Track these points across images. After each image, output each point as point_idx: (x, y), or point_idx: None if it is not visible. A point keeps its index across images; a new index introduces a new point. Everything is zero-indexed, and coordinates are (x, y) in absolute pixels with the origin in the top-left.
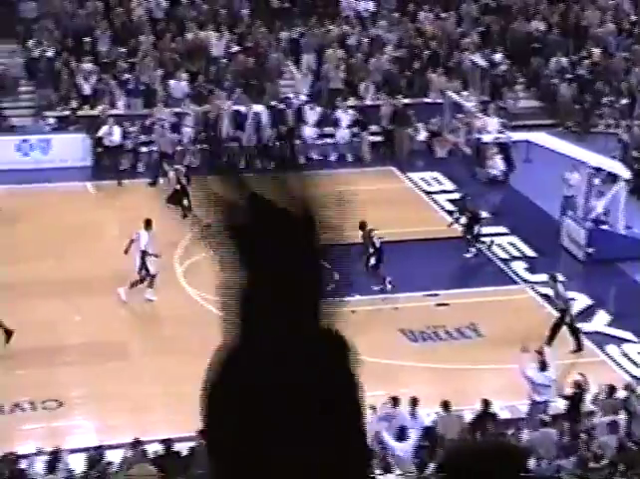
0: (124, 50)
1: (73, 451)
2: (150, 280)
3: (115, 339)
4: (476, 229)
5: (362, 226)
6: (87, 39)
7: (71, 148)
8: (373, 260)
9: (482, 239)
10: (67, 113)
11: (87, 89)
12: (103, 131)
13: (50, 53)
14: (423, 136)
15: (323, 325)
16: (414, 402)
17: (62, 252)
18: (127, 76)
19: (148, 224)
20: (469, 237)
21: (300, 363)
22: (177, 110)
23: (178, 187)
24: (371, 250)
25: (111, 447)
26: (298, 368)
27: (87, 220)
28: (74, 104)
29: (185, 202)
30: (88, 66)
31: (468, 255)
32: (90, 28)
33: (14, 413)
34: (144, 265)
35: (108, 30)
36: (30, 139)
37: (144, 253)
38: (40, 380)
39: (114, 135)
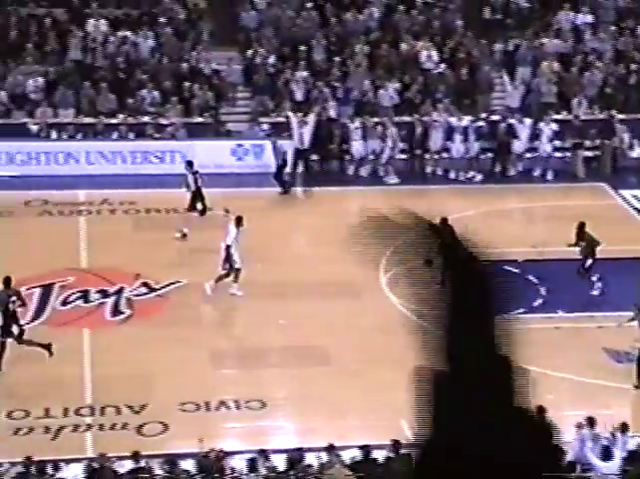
0: (338, 59)
1: (274, 451)
2: (234, 275)
3: (317, 344)
4: None
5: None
6: (302, 47)
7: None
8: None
9: None
10: (281, 119)
11: (299, 96)
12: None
13: (270, 60)
14: (637, 152)
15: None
16: (624, 428)
17: (269, 256)
18: (337, 84)
19: (238, 221)
20: None
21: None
22: (376, 120)
23: (195, 189)
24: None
25: (310, 450)
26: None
27: (295, 225)
28: (286, 110)
29: (200, 205)
30: (302, 74)
31: None
32: (306, 37)
33: (219, 411)
34: (228, 260)
35: (323, 39)
36: (245, 144)
37: (228, 248)
38: (245, 380)
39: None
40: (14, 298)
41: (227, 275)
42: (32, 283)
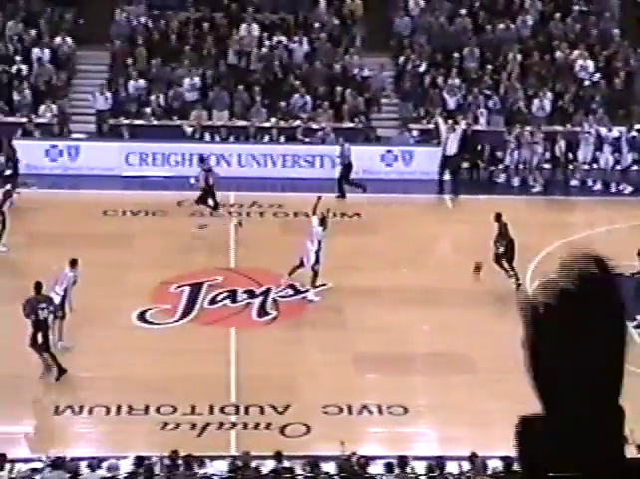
0: (490, 67)
1: (414, 458)
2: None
3: (461, 352)
4: None
5: None
6: (455, 54)
7: (431, 160)
8: None
9: None
10: (430, 126)
11: (451, 103)
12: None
13: (421, 67)
14: None
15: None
16: None
17: (415, 262)
18: (489, 92)
19: (322, 220)
20: None
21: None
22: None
23: (205, 185)
24: None
25: (451, 458)
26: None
27: (441, 232)
28: (436, 117)
29: (212, 201)
30: (454, 81)
31: None
32: (459, 44)
33: (362, 415)
34: (317, 261)
35: (476, 46)
36: (394, 149)
37: (317, 250)
38: (388, 386)
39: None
40: (44, 306)
41: (316, 275)
42: (182, 282)
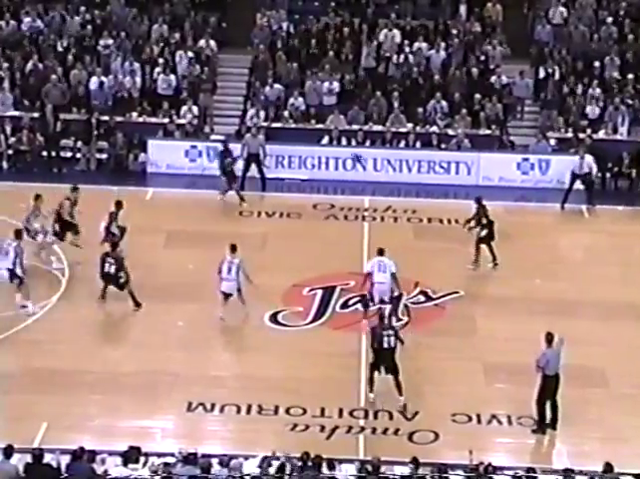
0: (631, 76)
1: (543, 471)
2: None
3: (594, 365)
4: None
5: None
6: (596, 64)
7: (568, 170)
8: None
9: None
10: (569, 135)
11: (593, 113)
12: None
13: (558, 76)
14: None
15: None
16: None
17: (549, 272)
18: (631, 102)
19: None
20: None
21: None
22: None
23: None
24: None
25: (582, 473)
26: None
27: (577, 242)
28: (579, 127)
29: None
30: (595, 91)
31: None
32: (601, 53)
33: (491, 424)
34: None
35: (617, 55)
36: (530, 158)
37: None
38: (518, 396)
39: (585, 167)
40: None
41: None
42: (315, 285)
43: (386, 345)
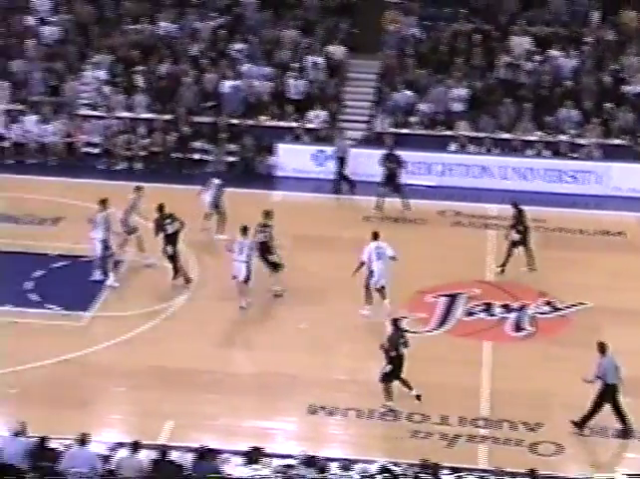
0: None
1: None
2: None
3: None
4: None
5: None
6: None
7: None
8: None
9: None
10: None
11: None
12: None
13: None
14: None
15: None
16: None
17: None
18: None
19: (375, 236)
20: None
21: None
22: None
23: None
24: None
25: None
26: None
27: None
28: None
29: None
30: None
31: None
32: None
33: (617, 439)
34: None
35: None
36: None
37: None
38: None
39: None
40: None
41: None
42: (439, 292)
43: (401, 352)
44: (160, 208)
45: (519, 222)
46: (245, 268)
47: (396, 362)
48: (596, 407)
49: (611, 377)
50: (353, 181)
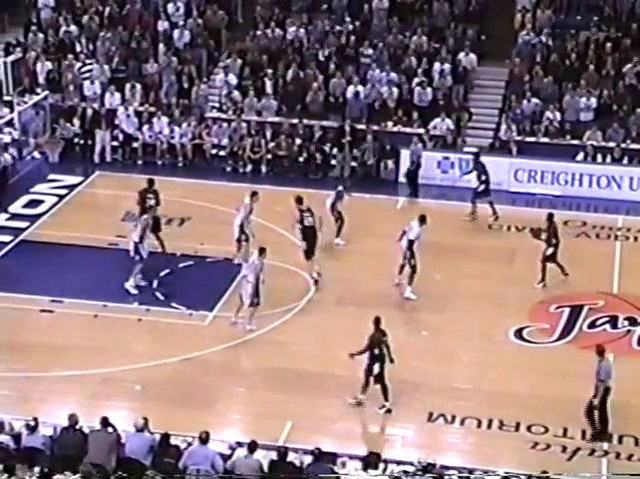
0: None
1: None
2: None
3: None
4: None
5: None
6: None
7: None
8: None
9: None
10: None
11: None
12: None
13: None
14: None
15: None
16: None
17: None
18: None
19: (422, 219)
20: None
21: None
22: None
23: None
24: None
25: None
26: None
27: None
28: None
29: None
30: None
31: None
32: None
33: None
34: (412, 256)
35: None
36: None
37: (411, 243)
38: None
39: None
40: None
41: (414, 271)
42: (562, 302)
43: (384, 351)
44: (299, 199)
45: (554, 235)
46: (252, 289)
47: (382, 360)
48: (605, 414)
49: (612, 380)
50: (418, 188)
